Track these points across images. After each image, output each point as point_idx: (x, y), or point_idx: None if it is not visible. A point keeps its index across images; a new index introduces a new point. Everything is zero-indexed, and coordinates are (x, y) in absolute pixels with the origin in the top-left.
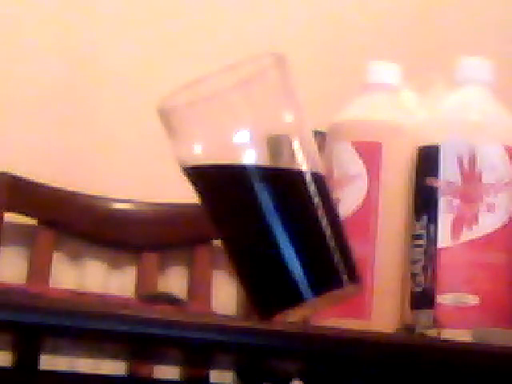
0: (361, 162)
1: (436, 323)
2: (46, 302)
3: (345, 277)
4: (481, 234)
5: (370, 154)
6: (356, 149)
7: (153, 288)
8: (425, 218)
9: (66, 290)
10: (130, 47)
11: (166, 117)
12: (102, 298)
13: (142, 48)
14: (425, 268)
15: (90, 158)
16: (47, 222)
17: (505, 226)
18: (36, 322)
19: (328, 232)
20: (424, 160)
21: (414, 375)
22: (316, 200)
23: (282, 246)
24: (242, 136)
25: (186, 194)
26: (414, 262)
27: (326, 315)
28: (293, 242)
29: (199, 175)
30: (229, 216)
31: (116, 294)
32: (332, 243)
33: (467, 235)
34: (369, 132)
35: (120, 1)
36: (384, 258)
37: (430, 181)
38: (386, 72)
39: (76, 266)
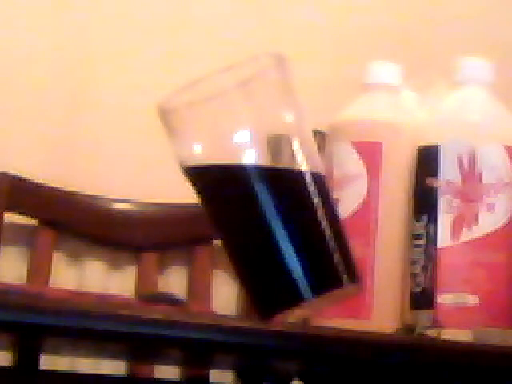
0: (361, 162)
1: (436, 323)
2: (46, 301)
3: (345, 277)
4: (481, 234)
5: (370, 153)
6: (356, 149)
7: (153, 288)
8: (425, 218)
9: (66, 290)
10: (130, 48)
11: (165, 117)
12: (101, 297)
13: (142, 48)
14: (425, 268)
15: (89, 158)
16: (47, 222)
17: (505, 226)
18: (36, 322)
19: (328, 232)
20: (424, 160)
21: (414, 375)
22: (316, 200)
23: (281, 245)
24: (241, 136)
25: (186, 194)
26: (413, 262)
27: (326, 315)
28: (293, 242)
29: (199, 175)
30: (229, 216)
31: (116, 293)
32: (332, 243)
33: (467, 235)
34: (369, 132)
35: (120, 2)
36: (384, 258)
37: (430, 181)
38: (386, 72)
39: (76, 266)
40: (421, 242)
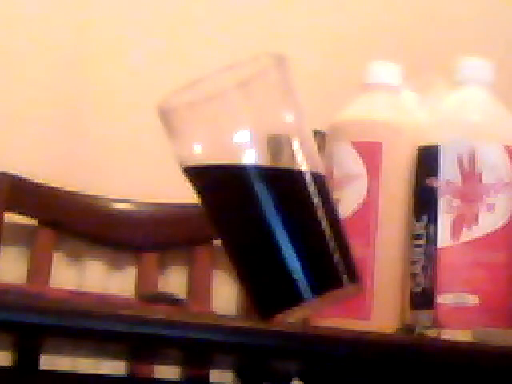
0: (361, 161)
1: (436, 323)
2: (46, 302)
3: (345, 277)
4: (481, 234)
5: (370, 154)
6: (356, 149)
7: (153, 288)
8: (425, 218)
9: (66, 290)
10: (130, 47)
11: (166, 117)
12: (101, 297)
13: (142, 48)
14: (425, 268)
15: (89, 158)
16: (47, 222)
17: (505, 226)
18: (36, 322)
19: (328, 232)
20: (424, 160)
21: (414, 375)
22: (316, 200)
23: (281, 245)
24: (241, 136)
25: (186, 194)
26: (413, 262)
27: (326, 315)
28: (293, 242)
29: (199, 175)
30: (229, 216)
31: (116, 294)
32: (332, 243)
33: (467, 235)
34: (369, 132)
35: (120, 2)
36: (384, 258)
37: (430, 181)
38: (386, 72)
39: (76, 266)
40: (421, 241)
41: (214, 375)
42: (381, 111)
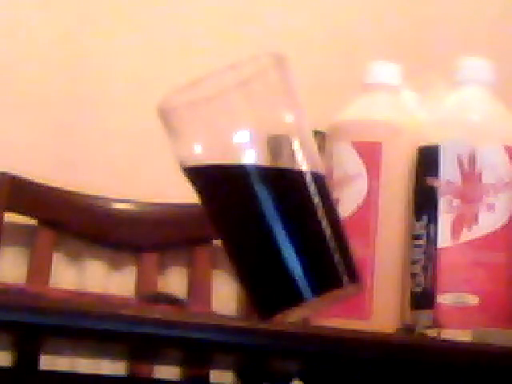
0: (361, 161)
1: (436, 323)
2: (46, 302)
3: (345, 277)
4: (481, 234)
5: (370, 153)
6: (356, 149)
7: (153, 288)
8: (425, 218)
9: (66, 290)
10: (130, 47)
11: (165, 117)
12: (101, 297)
13: (142, 48)
14: (425, 268)
15: (90, 158)
16: (47, 222)
17: (505, 226)
18: (36, 322)
19: (328, 232)
20: (424, 160)
21: (414, 375)
22: (316, 200)
23: (281, 245)
24: (242, 136)
25: (186, 194)
26: (414, 262)
27: (326, 315)
28: (293, 242)
29: (199, 175)
30: (229, 216)
31: (116, 293)
32: (332, 243)
33: (467, 235)
34: (369, 132)
35: (120, 2)
36: (384, 258)
37: (430, 181)
38: (386, 72)
39: (76, 266)
40: (421, 242)
41: (214, 375)
42: (381, 111)
